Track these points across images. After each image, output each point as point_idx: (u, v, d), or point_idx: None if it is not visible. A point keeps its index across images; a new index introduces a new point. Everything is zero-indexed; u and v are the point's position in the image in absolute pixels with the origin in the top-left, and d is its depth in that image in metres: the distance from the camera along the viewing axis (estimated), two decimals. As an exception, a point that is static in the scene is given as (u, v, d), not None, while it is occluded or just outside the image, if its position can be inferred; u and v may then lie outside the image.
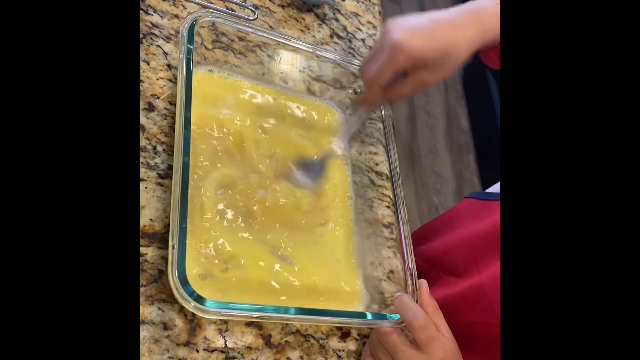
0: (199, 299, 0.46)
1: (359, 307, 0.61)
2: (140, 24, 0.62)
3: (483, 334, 0.57)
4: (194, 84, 0.57)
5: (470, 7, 0.53)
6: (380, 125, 0.69)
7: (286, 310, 0.50)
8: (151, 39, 0.62)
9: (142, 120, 0.57)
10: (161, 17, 0.64)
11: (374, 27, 0.84)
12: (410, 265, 0.60)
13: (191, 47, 0.55)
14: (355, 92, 0.73)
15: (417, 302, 0.54)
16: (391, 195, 0.67)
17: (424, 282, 0.57)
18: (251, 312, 0.48)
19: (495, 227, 0.64)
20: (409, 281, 0.59)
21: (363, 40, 0.81)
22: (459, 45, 0.51)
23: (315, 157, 0.64)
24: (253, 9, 0.68)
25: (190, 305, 0.45)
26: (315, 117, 0.70)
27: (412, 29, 0.49)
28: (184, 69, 0.54)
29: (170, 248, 0.47)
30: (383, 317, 0.55)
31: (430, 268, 0.70)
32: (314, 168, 0.63)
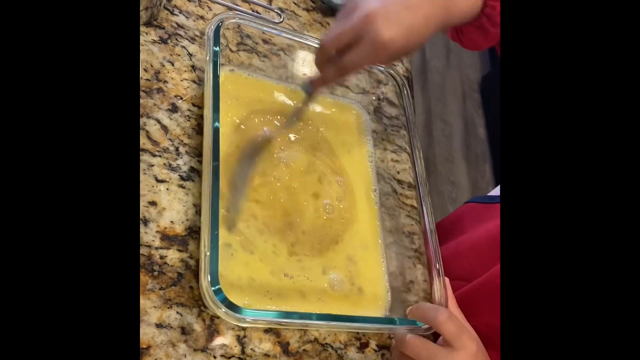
0: (232, 307, 0.45)
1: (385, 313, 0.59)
2: (166, 25, 0.62)
3: (492, 335, 0.56)
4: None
5: None
6: (404, 132, 0.68)
7: (319, 317, 0.49)
8: (176, 39, 0.62)
9: (165, 121, 0.57)
10: (187, 17, 0.64)
11: (399, 33, 0.83)
12: (439, 277, 0.58)
13: (217, 50, 0.54)
14: (379, 98, 0.72)
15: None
16: (414, 204, 0.66)
17: (447, 280, 0.56)
18: (286, 319, 0.47)
19: (497, 231, 0.63)
20: (436, 290, 0.57)
21: (387, 46, 0.80)
22: (426, 37, 0.50)
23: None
24: (279, 12, 0.67)
25: (221, 312, 0.45)
26: (338, 115, 0.69)
27: (397, 21, 0.47)
28: (211, 73, 0.53)
29: (202, 255, 0.46)
30: (413, 323, 0.53)
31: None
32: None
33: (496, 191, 0.77)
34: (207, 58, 0.54)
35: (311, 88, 0.55)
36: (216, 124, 0.50)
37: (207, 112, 0.51)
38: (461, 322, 0.50)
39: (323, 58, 0.52)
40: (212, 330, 0.50)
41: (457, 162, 2.37)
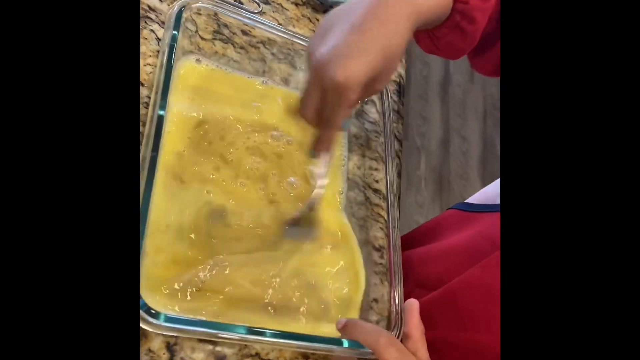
0: (148, 311, 0.41)
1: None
2: (136, 6, 0.59)
3: (449, 349, 0.51)
4: (180, 72, 0.53)
5: None
6: (382, 139, 0.64)
7: (251, 330, 0.45)
8: (145, 22, 0.59)
9: (121, 106, 0.53)
10: (160, 1, 0.61)
11: (395, 36, 0.78)
12: (397, 296, 0.54)
13: (176, 33, 0.50)
14: (361, 102, 0.67)
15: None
16: (386, 217, 0.62)
17: (415, 303, 0.52)
18: (208, 329, 0.43)
19: (473, 239, 0.60)
20: (393, 311, 0.53)
21: (380, 48, 0.76)
22: (394, 42, 0.44)
23: (299, 213, 0.57)
24: (259, 2, 0.64)
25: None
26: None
27: (345, 58, 0.42)
28: (165, 57, 0.50)
29: None
30: (362, 346, 0.49)
31: (403, 279, 0.65)
32: (305, 223, 0.56)
33: (475, 199, 0.72)
34: (166, 41, 0.51)
35: (316, 154, 0.51)
36: (161, 111, 0.46)
37: (155, 97, 0.47)
38: (405, 349, 0.45)
39: (313, 123, 0.48)
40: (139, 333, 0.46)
41: (472, 180, 2.30)
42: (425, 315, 0.53)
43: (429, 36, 0.53)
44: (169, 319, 0.40)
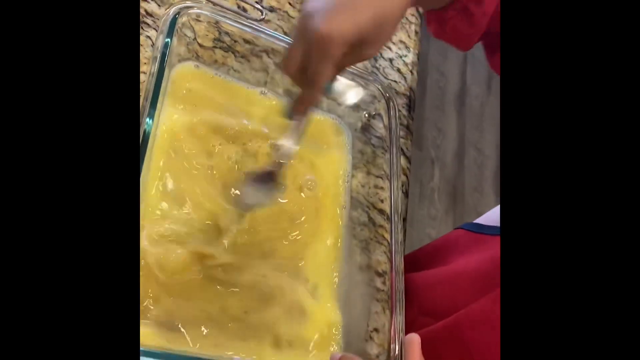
0: None
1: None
2: (132, 11, 0.56)
3: None
4: (175, 80, 0.50)
5: None
6: (389, 156, 0.60)
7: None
8: (142, 27, 0.56)
9: (111, 116, 0.50)
10: (159, 5, 0.58)
11: (407, 47, 0.75)
12: (398, 327, 0.50)
13: (168, 41, 0.47)
14: (369, 115, 0.64)
15: None
16: (389, 239, 0.58)
17: (416, 338, 0.48)
18: None
19: (483, 266, 0.56)
20: (393, 348, 0.50)
21: (391, 60, 0.72)
22: (387, 9, 0.43)
23: (264, 168, 0.52)
24: (261, 8, 0.61)
25: None
26: (317, 134, 0.61)
27: (331, 11, 0.41)
28: (157, 65, 0.47)
29: None
30: None
31: (407, 305, 0.61)
32: (264, 180, 0.51)
33: (486, 219, 0.69)
34: (158, 48, 0.48)
35: (292, 114, 0.48)
36: (149, 119, 0.43)
37: (143, 105, 0.44)
38: None
39: (296, 79, 0.46)
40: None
41: (486, 193, 2.26)
42: (429, 347, 0.50)
43: (436, 19, 0.53)
44: (143, 354, 0.37)
